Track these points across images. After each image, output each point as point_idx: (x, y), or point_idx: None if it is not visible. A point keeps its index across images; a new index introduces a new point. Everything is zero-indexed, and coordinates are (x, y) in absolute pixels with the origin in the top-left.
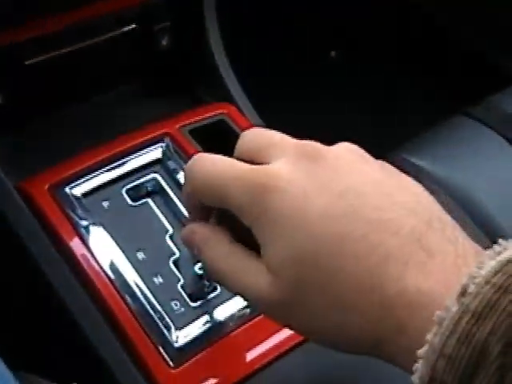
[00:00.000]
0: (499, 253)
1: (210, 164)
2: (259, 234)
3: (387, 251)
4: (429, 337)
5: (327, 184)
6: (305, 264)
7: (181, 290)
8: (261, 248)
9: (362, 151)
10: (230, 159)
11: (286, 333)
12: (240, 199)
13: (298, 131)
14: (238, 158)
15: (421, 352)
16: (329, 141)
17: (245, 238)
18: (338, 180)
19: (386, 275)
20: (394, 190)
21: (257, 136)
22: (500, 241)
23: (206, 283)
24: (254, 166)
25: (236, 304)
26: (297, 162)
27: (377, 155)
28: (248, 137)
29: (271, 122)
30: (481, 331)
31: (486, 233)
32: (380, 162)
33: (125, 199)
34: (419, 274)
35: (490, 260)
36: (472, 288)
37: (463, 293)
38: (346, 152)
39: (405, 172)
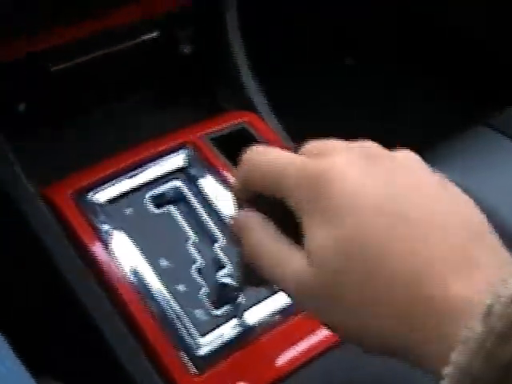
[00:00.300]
0: None
1: (269, 152)
2: (307, 222)
3: (434, 255)
4: (454, 356)
5: (384, 184)
6: (349, 256)
7: (204, 297)
8: (306, 237)
9: (423, 162)
10: (288, 153)
11: (310, 340)
12: (295, 186)
13: (309, 133)
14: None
15: (446, 371)
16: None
17: (288, 231)
18: (394, 182)
19: (431, 278)
20: (447, 202)
21: (321, 141)
22: None
23: (230, 290)
24: (311, 159)
25: (259, 311)
26: (358, 160)
27: None
28: (312, 143)
29: (287, 126)
30: (505, 352)
31: (506, 245)
32: (438, 175)
33: (147, 206)
34: (464, 281)
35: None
36: (497, 308)
37: (488, 313)
38: (408, 160)
39: None
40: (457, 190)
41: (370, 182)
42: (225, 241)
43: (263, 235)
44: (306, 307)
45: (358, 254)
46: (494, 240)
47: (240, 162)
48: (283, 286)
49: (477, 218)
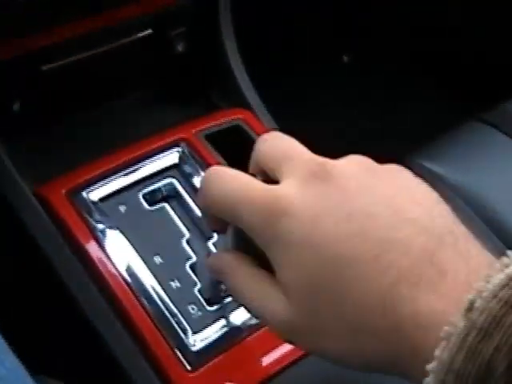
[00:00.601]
0: (507, 265)
1: (225, 180)
2: (273, 258)
3: (399, 272)
4: (437, 352)
5: (336, 206)
6: (317, 288)
7: (198, 294)
8: (275, 272)
9: (372, 163)
10: (245, 176)
11: None
12: (252, 221)
13: (308, 132)
14: (254, 168)
15: (430, 367)
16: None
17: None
18: (346, 202)
19: (399, 297)
20: (406, 205)
21: (273, 146)
22: (508, 252)
23: (223, 287)
24: (265, 187)
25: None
26: (306, 182)
27: (390, 160)
28: (265, 145)
29: (285, 125)
30: (487, 347)
31: (501, 239)
32: (391, 171)
33: (141, 204)
34: (431, 294)
35: (497, 273)
36: (479, 303)
37: (470, 308)
38: (355, 167)
39: (421, 178)
40: (413, 187)
41: (320, 210)
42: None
43: (242, 275)
44: (289, 341)
45: (324, 285)
46: (455, 235)
47: (199, 186)
48: (265, 321)
49: (438, 214)
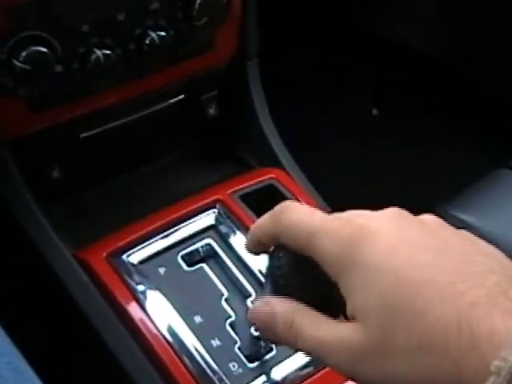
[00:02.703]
0: None
1: (303, 211)
2: (346, 284)
3: (475, 298)
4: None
5: (414, 239)
6: (392, 309)
7: (238, 351)
8: (347, 299)
9: (445, 223)
10: (320, 212)
11: None
12: (329, 248)
13: (345, 187)
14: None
15: None
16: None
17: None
18: (423, 237)
19: (475, 316)
20: (474, 251)
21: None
22: None
23: (263, 344)
24: (345, 219)
25: (292, 364)
26: (388, 220)
27: (424, 210)
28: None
29: (317, 182)
30: None
31: None
32: (459, 230)
33: (180, 265)
34: (507, 317)
35: None
36: None
37: None
38: (431, 218)
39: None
40: (478, 241)
41: (399, 239)
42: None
43: (299, 316)
44: (358, 374)
45: (399, 305)
46: None
47: (272, 213)
48: (331, 359)
49: (502, 260)
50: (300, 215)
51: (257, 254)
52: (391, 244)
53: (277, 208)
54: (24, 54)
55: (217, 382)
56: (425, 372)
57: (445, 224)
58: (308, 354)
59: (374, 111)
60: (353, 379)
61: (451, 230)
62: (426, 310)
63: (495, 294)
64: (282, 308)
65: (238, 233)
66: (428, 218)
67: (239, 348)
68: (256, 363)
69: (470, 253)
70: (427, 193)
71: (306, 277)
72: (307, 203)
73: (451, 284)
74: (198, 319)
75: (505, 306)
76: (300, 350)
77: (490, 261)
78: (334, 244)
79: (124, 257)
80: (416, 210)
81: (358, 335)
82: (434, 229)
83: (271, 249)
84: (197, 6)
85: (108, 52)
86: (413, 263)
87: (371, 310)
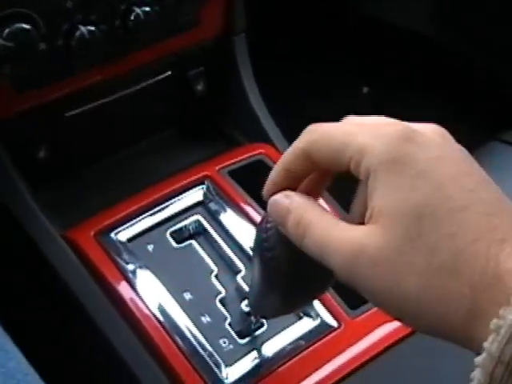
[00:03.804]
0: None
1: (335, 124)
2: (377, 182)
3: (504, 234)
4: (486, 344)
5: (460, 160)
6: (423, 220)
7: (228, 327)
8: (371, 200)
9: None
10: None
11: (332, 365)
12: (369, 144)
13: None
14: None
15: (478, 360)
16: None
17: None
18: (467, 162)
19: (503, 251)
20: (497, 191)
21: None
22: None
23: (253, 320)
24: (387, 120)
25: (283, 339)
26: (435, 132)
27: None
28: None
29: None
30: None
31: None
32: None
33: (169, 242)
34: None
35: None
36: None
37: None
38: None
39: None
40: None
41: (446, 152)
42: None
43: (313, 213)
44: (362, 278)
45: (431, 219)
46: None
47: (302, 132)
48: (334, 262)
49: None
50: (330, 125)
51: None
52: (440, 154)
53: (310, 126)
54: (7, 31)
55: (207, 358)
56: (441, 293)
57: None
58: (314, 256)
59: (365, 89)
60: (352, 288)
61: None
62: (458, 232)
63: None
64: (296, 203)
65: (226, 209)
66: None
67: (230, 324)
68: (247, 339)
69: (501, 194)
70: None
71: (293, 247)
72: None
73: (487, 216)
74: (187, 296)
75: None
76: (307, 251)
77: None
78: (381, 140)
79: (112, 235)
80: None
81: (373, 239)
82: (473, 160)
83: (259, 221)
84: None
85: (92, 28)
86: (457, 180)
87: (401, 215)
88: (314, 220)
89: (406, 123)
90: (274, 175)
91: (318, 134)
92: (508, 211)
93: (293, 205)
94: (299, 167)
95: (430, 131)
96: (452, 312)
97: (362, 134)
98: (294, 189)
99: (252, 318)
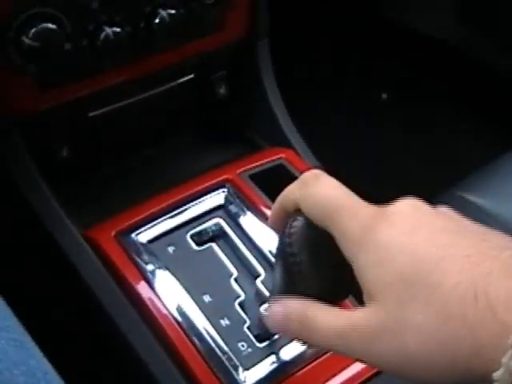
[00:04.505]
0: None
1: (329, 184)
2: (363, 261)
3: (489, 269)
4: (504, 360)
5: (432, 222)
6: (409, 283)
7: (247, 331)
8: (362, 277)
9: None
10: (346, 188)
11: (351, 371)
12: (350, 226)
13: (351, 167)
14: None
15: (496, 375)
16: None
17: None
18: (440, 220)
19: (491, 285)
20: (489, 232)
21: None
22: None
23: None
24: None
25: (297, 347)
26: (405, 205)
27: (432, 192)
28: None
29: (326, 162)
30: None
31: None
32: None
33: (189, 244)
34: None
35: None
36: None
37: None
38: (446, 208)
39: (462, 210)
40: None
41: (416, 223)
42: (264, 276)
43: (313, 310)
44: (371, 357)
45: (415, 278)
46: None
47: (301, 178)
48: (348, 348)
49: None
50: (327, 187)
51: (277, 228)
52: (411, 225)
53: (306, 174)
54: (33, 30)
55: (226, 361)
56: (442, 344)
57: (458, 214)
58: (324, 347)
59: (384, 95)
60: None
61: (465, 218)
62: (443, 281)
63: (510, 264)
64: (294, 306)
65: (247, 212)
66: (443, 208)
67: (248, 328)
68: (265, 343)
69: (485, 233)
70: (436, 176)
71: (317, 253)
72: None
73: (467, 257)
74: (206, 299)
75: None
76: (315, 345)
77: (504, 239)
78: (356, 221)
79: (133, 236)
80: (425, 193)
81: (373, 316)
82: (449, 215)
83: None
84: None
85: (117, 29)
86: (431, 242)
87: (388, 285)
88: (319, 316)
89: (380, 207)
90: (272, 212)
91: (313, 192)
92: (490, 248)
93: (291, 308)
94: (291, 208)
95: (401, 207)
96: (457, 355)
97: (345, 212)
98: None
99: None
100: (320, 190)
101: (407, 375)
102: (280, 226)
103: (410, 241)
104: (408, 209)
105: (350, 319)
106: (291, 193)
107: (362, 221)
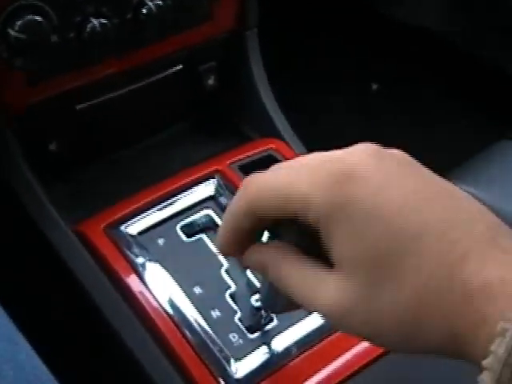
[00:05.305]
0: None
1: (266, 175)
2: (330, 232)
3: (465, 249)
4: (493, 347)
5: (401, 180)
6: (381, 261)
7: (238, 322)
8: (332, 253)
9: (410, 158)
10: (284, 166)
11: (341, 362)
12: (310, 194)
13: None
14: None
15: (485, 363)
16: None
17: (310, 251)
18: (409, 177)
19: (467, 271)
20: (456, 194)
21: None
22: None
23: (263, 314)
24: (326, 156)
25: (293, 334)
26: (367, 157)
27: None
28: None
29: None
30: None
31: None
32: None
33: (179, 236)
34: (500, 267)
35: None
36: None
37: None
38: (401, 153)
39: None
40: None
41: (388, 178)
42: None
43: (287, 266)
44: (346, 328)
45: (389, 260)
46: (505, 227)
47: (239, 189)
48: (319, 312)
49: (482, 208)
50: (265, 178)
51: (233, 253)
52: (379, 181)
53: (240, 186)
54: (19, 23)
55: (217, 353)
56: (417, 329)
57: (414, 161)
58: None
59: (374, 86)
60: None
61: (424, 168)
62: (419, 265)
63: (484, 242)
64: (270, 257)
65: None
66: (397, 153)
67: (239, 319)
68: (256, 334)
69: (454, 196)
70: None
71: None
72: None
73: (442, 234)
74: (197, 290)
75: (494, 253)
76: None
77: (471, 207)
78: (319, 182)
79: (122, 228)
80: None
81: (342, 290)
82: (414, 168)
83: None
84: None
85: (104, 21)
86: (402, 208)
87: (359, 263)
88: (293, 274)
89: (337, 156)
90: (222, 237)
91: (256, 190)
92: (464, 220)
93: (267, 259)
94: (247, 225)
95: (362, 156)
96: (430, 340)
97: (300, 183)
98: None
99: (262, 312)
100: (268, 181)
101: (382, 346)
102: (236, 249)
103: (381, 206)
104: (371, 161)
105: (323, 287)
106: (235, 205)
107: (320, 185)
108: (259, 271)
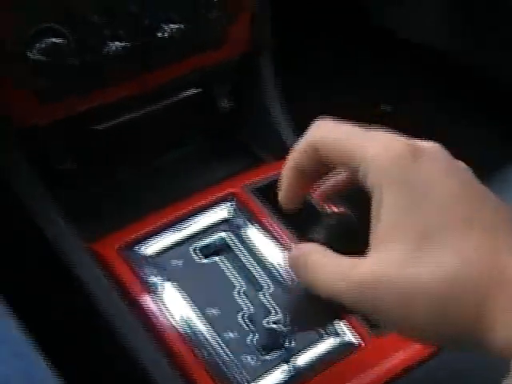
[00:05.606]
0: None
1: (343, 125)
2: (383, 199)
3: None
4: None
5: (458, 173)
6: (427, 239)
7: (251, 344)
8: (380, 215)
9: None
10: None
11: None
12: (376, 155)
13: None
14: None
15: (507, 382)
16: None
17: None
18: (464, 174)
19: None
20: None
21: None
22: None
23: (278, 335)
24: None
25: (306, 357)
26: (434, 146)
27: None
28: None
29: None
30: None
31: None
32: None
33: (194, 257)
34: None
35: None
36: None
37: None
38: (463, 165)
39: None
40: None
41: (449, 165)
42: (271, 288)
43: (325, 258)
44: (377, 298)
45: (435, 243)
46: None
47: (312, 125)
48: (354, 284)
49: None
50: (341, 125)
51: (290, 206)
52: (446, 167)
53: (312, 124)
54: (37, 45)
55: (230, 374)
56: (443, 310)
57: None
58: (330, 297)
59: (385, 106)
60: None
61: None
62: (462, 246)
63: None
64: (301, 250)
65: (251, 226)
66: (460, 163)
67: (252, 340)
68: (271, 355)
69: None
70: None
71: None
72: (320, 197)
73: (490, 226)
74: (211, 311)
75: None
76: (322, 293)
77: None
78: (386, 154)
79: (137, 249)
80: None
81: (382, 258)
82: (471, 176)
83: None
84: None
85: (120, 44)
86: (458, 196)
87: (406, 234)
88: (322, 262)
89: (411, 140)
90: (285, 177)
91: (327, 131)
92: (502, 219)
93: (299, 252)
94: (307, 163)
95: (432, 145)
96: (460, 322)
97: (372, 144)
98: (306, 190)
99: (276, 333)
100: (341, 128)
101: (409, 329)
102: (296, 196)
103: (441, 192)
104: (439, 148)
105: (354, 268)
106: (303, 142)
107: (396, 155)
108: (292, 268)
